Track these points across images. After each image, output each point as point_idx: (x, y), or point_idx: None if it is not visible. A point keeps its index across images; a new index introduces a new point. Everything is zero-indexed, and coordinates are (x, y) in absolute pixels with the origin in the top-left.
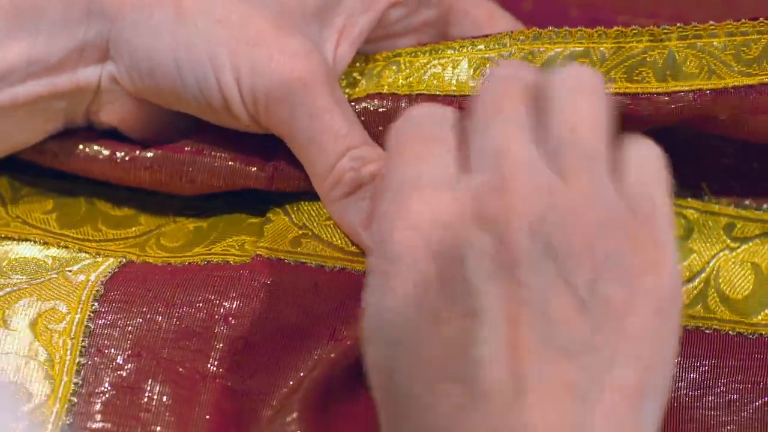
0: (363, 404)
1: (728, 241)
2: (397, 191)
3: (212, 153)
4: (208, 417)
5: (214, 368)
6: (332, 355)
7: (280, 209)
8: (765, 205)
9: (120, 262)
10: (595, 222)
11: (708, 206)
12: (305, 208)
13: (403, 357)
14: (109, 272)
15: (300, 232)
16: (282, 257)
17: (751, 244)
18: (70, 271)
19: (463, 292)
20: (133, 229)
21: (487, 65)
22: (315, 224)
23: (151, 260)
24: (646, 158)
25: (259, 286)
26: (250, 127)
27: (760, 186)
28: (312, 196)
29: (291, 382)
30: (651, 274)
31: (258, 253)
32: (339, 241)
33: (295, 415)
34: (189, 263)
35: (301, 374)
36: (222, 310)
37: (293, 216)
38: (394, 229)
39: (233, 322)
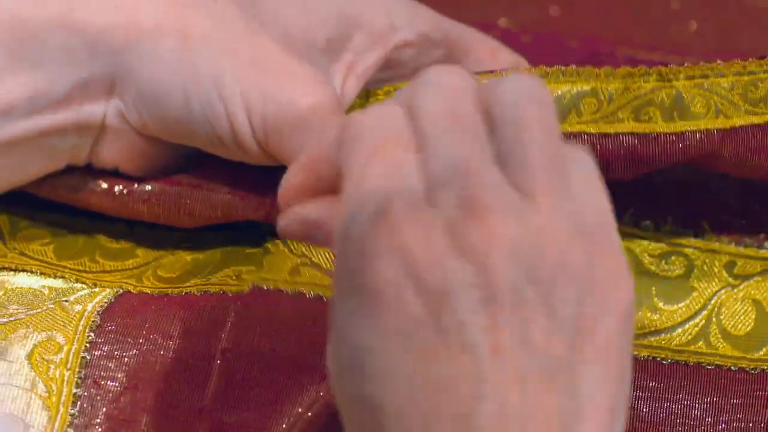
0: None
1: (729, 278)
2: (367, 220)
3: (210, 186)
4: None
5: (210, 402)
6: (327, 394)
7: (279, 241)
8: (766, 244)
9: (116, 293)
10: (567, 240)
11: (709, 245)
12: None
13: (392, 395)
14: (105, 302)
15: (299, 260)
16: (281, 287)
17: (752, 281)
18: (66, 301)
19: (454, 327)
20: (131, 261)
21: None
22: (314, 252)
23: (147, 290)
24: (584, 166)
25: (257, 320)
26: (258, 158)
27: (759, 226)
28: None
29: (287, 419)
30: (615, 286)
31: (256, 284)
32: None
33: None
34: (186, 293)
35: (299, 410)
36: (218, 343)
37: (292, 246)
38: (372, 262)
39: (229, 355)
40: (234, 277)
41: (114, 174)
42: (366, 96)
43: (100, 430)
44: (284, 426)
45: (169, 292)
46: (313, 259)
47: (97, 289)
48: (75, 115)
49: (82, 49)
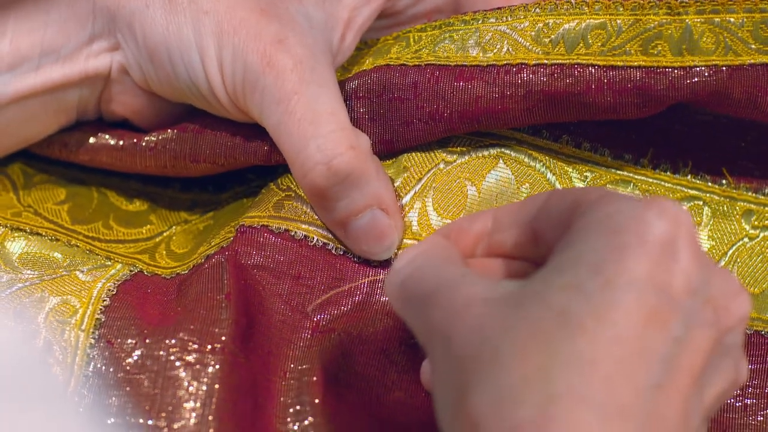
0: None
1: (747, 229)
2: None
3: (213, 131)
4: (217, 387)
5: (222, 342)
6: (312, 350)
7: (272, 183)
8: None
9: (131, 271)
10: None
11: (727, 191)
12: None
13: None
14: (121, 278)
15: (283, 194)
16: (266, 223)
17: None
18: (80, 271)
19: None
20: (145, 228)
21: (498, 37)
22: (297, 186)
23: (159, 272)
24: None
25: (249, 268)
26: (238, 116)
27: None
28: None
29: (286, 373)
30: None
31: (242, 223)
32: None
33: (309, 419)
34: (194, 266)
35: (291, 365)
36: (220, 295)
37: (280, 182)
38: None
39: (231, 307)
40: (232, 230)
41: (121, 130)
42: (374, 43)
43: (113, 388)
44: (287, 378)
45: (179, 271)
46: (297, 191)
47: (109, 263)
48: (82, 68)
49: (85, 7)
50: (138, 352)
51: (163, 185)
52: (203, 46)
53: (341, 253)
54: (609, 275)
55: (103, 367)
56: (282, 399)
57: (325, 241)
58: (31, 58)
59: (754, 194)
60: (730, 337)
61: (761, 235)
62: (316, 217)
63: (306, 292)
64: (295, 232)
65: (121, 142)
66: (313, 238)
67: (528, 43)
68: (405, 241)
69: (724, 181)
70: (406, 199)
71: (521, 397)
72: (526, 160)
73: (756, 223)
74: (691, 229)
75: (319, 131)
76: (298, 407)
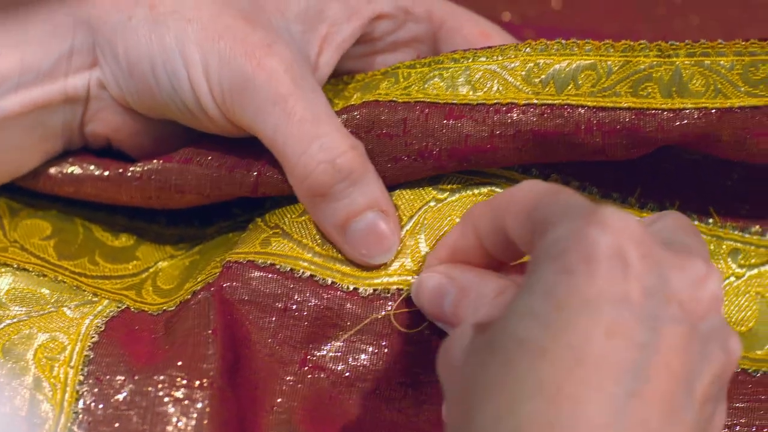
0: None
1: (734, 268)
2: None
3: (199, 161)
4: (206, 422)
5: (210, 378)
6: (299, 386)
7: (259, 219)
8: None
9: (118, 308)
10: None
11: (714, 230)
12: (282, 210)
13: None
14: (109, 314)
15: (271, 231)
16: (252, 259)
17: (756, 272)
18: (68, 307)
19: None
20: (131, 264)
21: (489, 76)
22: (286, 222)
23: (146, 308)
24: None
25: (235, 303)
26: (224, 127)
27: (764, 212)
28: (295, 199)
29: (274, 408)
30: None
31: (228, 259)
32: (308, 241)
33: None
34: (181, 302)
35: (279, 400)
36: (208, 330)
37: (267, 219)
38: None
39: (218, 343)
40: (218, 264)
41: (106, 160)
42: (362, 79)
43: (103, 425)
44: (271, 413)
45: (165, 307)
46: (284, 228)
47: (96, 299)
48: (62, 87)
49: (65, 25)
50: (127, 389)
51: (148, 220)
52: (187, 54)
53: (329, 283)
54: (560, 298)
55: (93, 404)
56: None
57: (312, 272)
58: (10, 77)
59: (740, 233)
60: (705, 323)
61: (747, 274)
62: (303, 251)
63: (293, 324)
64: (281, 266)
65: (106, 173)
66: (299, 270)
67: (518, 83)
68: (402, 278)
69: (710, 220)
70: None
71: None
72: None
73: (742, 262)
74: (635, 233)
75: (320, 131)
76: None
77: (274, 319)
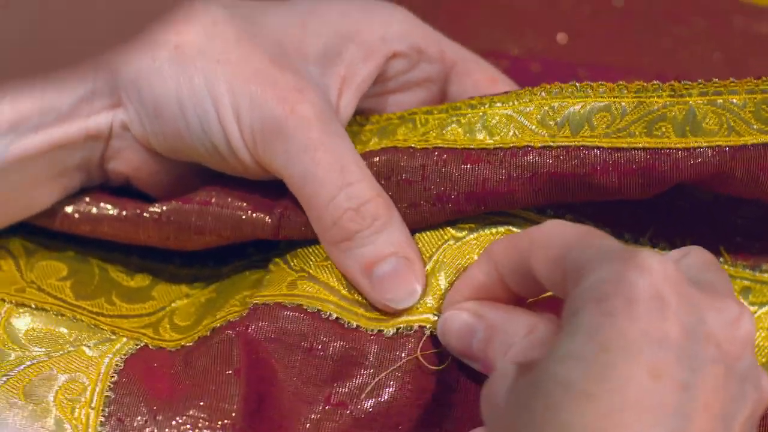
0: None
1: (746, 305)
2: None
3: (219, 203)
4: None
5: (233, 419)
6: (323, 423)
7: (280, 259)
8: None
9: (137, 345)
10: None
11: (725, 269)
12: (304, 252)
13: None
14: (127, 352)
15: (297, 275)
16: (280, 301)
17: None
18: (86, 346)
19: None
20: (147, 304)
21: (505, 121)
22: (312, 266)
23: (164, 345)
24: None
25: (261, 341)
26: (251, 170)
27: None
28: (315, 241)
29: None
30: None
31: (254, 302)
32: (335, 283)
33: None
34: (199, 338)
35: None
36: (229, 371)
37: (292, 263)
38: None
39: (241, 382)
40: (238, 304)
41: (124, 199)
42: (377, 121)
43: None
44: None
45: (183, 343)
46: (311, 271)
47: (114, 337)
48: (82, 127)
49: (85, 68)
50: (149, 429)
51: (163, 260)
52: (217, 96)
53: (354, 326)
54: (603, 341)
55: None
56: None
57: (339, 315)
58: (30, 117)
59: (751, 271)
60: (741, 363)
61: (760, 311)
62: (329, 293)
63: (318, 363)
64: (309, 306)
65: (124, 212)
66: (327, 312)
67: (534, 126)
68: (424, 315)
69: (721, 259)
70: None
71: None
72: None
73: (753, 299)
74: (672, 275)
75: (348, 180)
76: None
77: (299, 357)
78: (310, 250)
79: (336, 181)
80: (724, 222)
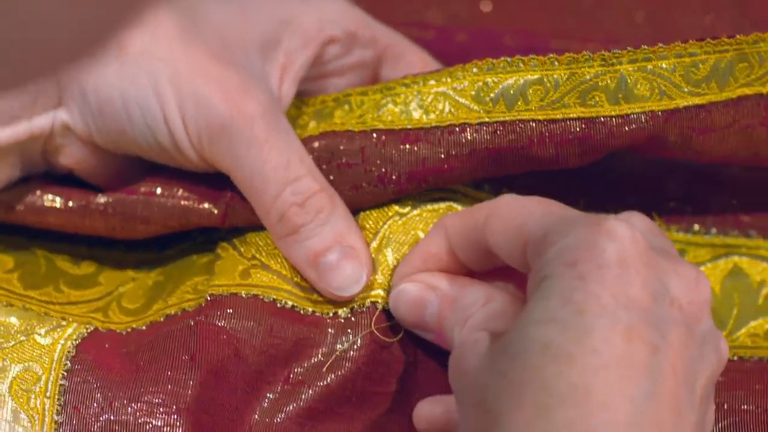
0: None
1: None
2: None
3: (165, 193)
4: None
5: (188, 403)
6: (284, 400)
7: (227, 244)
8: (713, 229)
9: (87, 329)
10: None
11: None
12: (253, 239)
13: None
14: (78, 337)
15: (249, 263)
16: (235, 291)
17: (702, 268)
18: (38, 334)
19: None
20: (95, 290)
21: (440, 98)
22: (263, 254)
23: (114, 327)
24: None
25: (217, 330)
26: (196, 164)
27: (706, 210)
28: (259, 228)
29: (251, 423)
30: None
31: (210, 292)
32: (287, 272)
33: None
34: (151, 322)
35: (255, 417)
36: (185, 356)
37: (241, 249)
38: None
39: (198, 367)
40: (191, 291)
41: (69, 189)
42: (313, 103)
43: None
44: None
45: (135, 326)
46: (263, 260)
47: (65, 323)
48: (27, 128)
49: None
50: (105, 417)
51: (108, 247)
52: (161, 93)
53: (310, 312)
54: (578, 303)
55: None
56: None
57: (294, 303)
58: None
59: (684, 234)
60: (701, 326)
61: None
62: (283, 282)
63: (277, 345)
64: (264, 296)
65: (70, 203)
66: (282, 300)
67: (469, 103)
68: (375, 291)
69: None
70: None
71: None
72: None
73: (689, 260)
74: (639, 241)
75: (292, 175)
76: None
77: (257, 342)
78: (260, 237)
79: (281, 177)
80: (655, 188)
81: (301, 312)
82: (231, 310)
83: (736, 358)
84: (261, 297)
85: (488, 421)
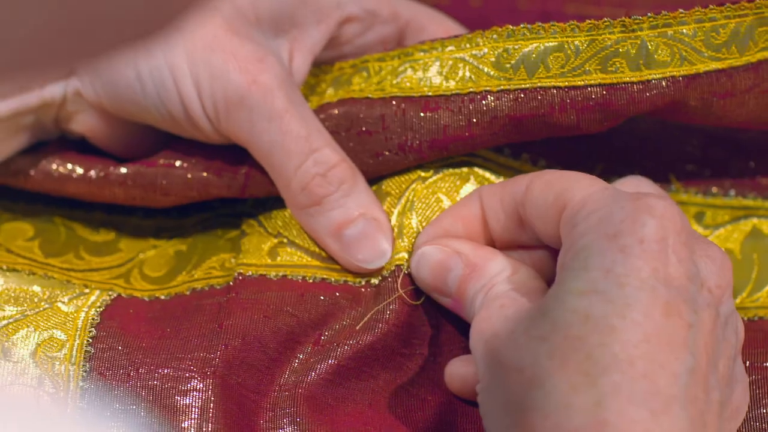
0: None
1: (700, 229)
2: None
3: (185, 165)
4: (212, 409)
5: (215, 366)
6: (314, 359)
7: (253, 221)
8: (731, 191)
9: (110, 296)
10: None
11: (677, 196)
12: (277, 215)
13: None
14: (101, 305)
15: (276, 240)
16: (264, 272)
17: (722, 230)
18: (61, 302)
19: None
20: (116, 256)
21: (460, 65)
22: (289, 231)
23: (137, 294)
24: None
25: (248, 305)
26: (211, 137)
27: (724, 173)
28: (283, 201)
29: (280, 383)
30: None
31: (239, 271)
32: (316, 247)
33: (287, 417)
34: (176, 294)
35: (285, 376)
36: (214, 324)
37: (267, 225)
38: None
39: (226, 333)
40: (218, 268)
41: (89, 155)
42: (330, 71)
43: (109, 420)
44: (278, 390)
45: (158, 294)
46: (290, 237)
47: (87, 291)
48: (38, 96)
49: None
50: (131, 383)
51: (126, 213)
52: (174, 64)
53: (341, 282)
54: (620, 276)
55: (97, 401)
56: (271, 412)
57: (324, 276)
58: None
59: (703, 196)
60: (723, 308)
61: (714, 233)
62: (311, 258)
63: (311, 307)
64: (293, 275)
65: (92, 172)
66: (311, 276)
67: (489, 70)
68: (399, 254)
69: (672, 187)
70: (393, 221)
71: (572, 405)
72: (491, 177)
73: (708, 222)
74: (677, 220)
75: (314, 146)
76: (286, 419)
77: (290, 306)
78: (284, 213)
79: (303, 148)
80: (672, 151)
81: (333, 283)
82: (257, 293)
83: (756, 318)
84: (290, 277)
85: (526, 382)
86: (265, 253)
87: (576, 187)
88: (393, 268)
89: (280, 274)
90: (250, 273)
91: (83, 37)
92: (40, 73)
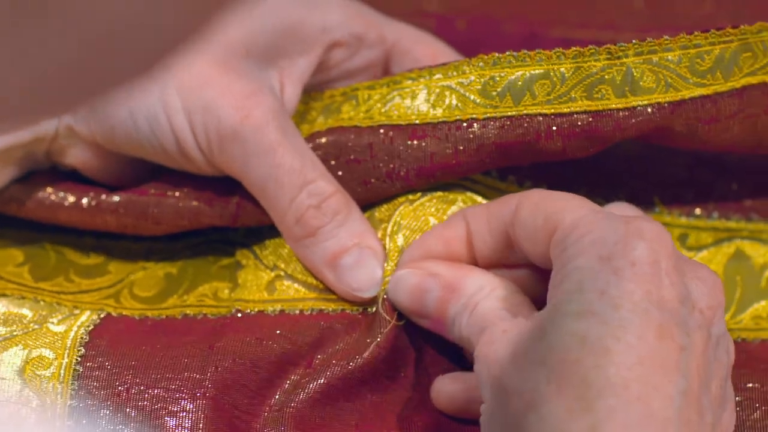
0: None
1: (684, 251)
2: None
3: (176, 194)
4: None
5: (206, 388)
6: (305, 380)
7: (248, 252)
8: (715, 213)
9: (99, 315)
10: None
11: (661, 218)
12: (271, 244)
13: None
14: (91, 324)
15: (273, 274)
16: (262, 308)
17: (705, 252)
18: (51, 323)
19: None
20: (105, 278)
21: (447, 93)
22: (285, 263)
23: (127, 312)
24: None
25: (241, 328)
26: (204, 169)
27: (708, 195)
28: (276, 231)
29: (271, 404)
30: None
31: (237, 307)
32: (313, 280)
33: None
34: (166, 317)
35: (276, 397)
36: (205, 345)
37: (262, 257)
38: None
39: (218, 354)
40: (211, 296)
41: (81, 184)
42: (321, 98)
43: None
44: (269, 411)
45: (149, 314)
46: (287, 270)
47: (78, 311)
48: (30, 132)
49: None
50: (120, 402)
51: (116, 238)
52: (167, 101)
53: (339, 311)
54: (614, 297)
55: (85, 420)
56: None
57: (322, 307)
58: None
59: (686, 218)
60: (715, 329)
61: (698, 255)
62: (308, 291)
63: (306, 331)
64: (290, 310)
65: (83, 200)
66: (308, 309)
67: (476, 98)
68: (387, 278)
69: (657, 209)
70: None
71: (568, 429)
72: (478, 198)
73: (690, 244)
74: (667, 244)
75: (308, 178)
76: None
77: (285, 331)
78: (279, 243)
79: (296, 180)
80: (656, 173)
81: (330, 313)
82: (256, 330)
83: (740, 340)
84: (287, 312)
85: (524, 407)
86: (263, 288)
87: (566, 209)
88: (385, 295)
89: (278, 309)
90: (248, 311)
91: (79, 86)
92: (33, 121)
